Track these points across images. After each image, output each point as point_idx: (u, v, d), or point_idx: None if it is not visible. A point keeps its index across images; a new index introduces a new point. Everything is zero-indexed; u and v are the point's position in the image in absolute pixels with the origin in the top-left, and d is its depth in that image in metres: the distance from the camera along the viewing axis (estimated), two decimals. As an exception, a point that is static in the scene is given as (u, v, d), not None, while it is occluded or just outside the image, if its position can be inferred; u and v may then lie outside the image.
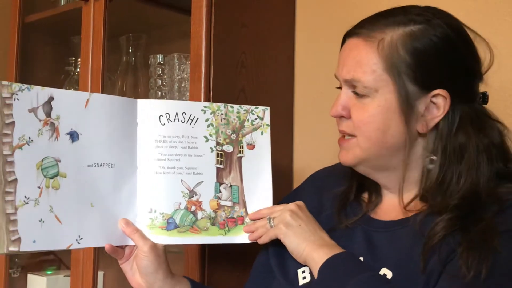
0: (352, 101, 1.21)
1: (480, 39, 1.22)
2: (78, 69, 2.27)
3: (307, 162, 1.92)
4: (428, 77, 1.16)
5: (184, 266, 1.68)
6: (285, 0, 1.99)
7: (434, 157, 1.19)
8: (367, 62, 1.17)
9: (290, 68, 1.99)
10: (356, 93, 1.20)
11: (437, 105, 1.16)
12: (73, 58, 2.36)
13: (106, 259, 2.15)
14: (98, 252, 1.97)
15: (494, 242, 1.05)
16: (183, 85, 1.96)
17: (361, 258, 1.20)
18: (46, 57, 2.48)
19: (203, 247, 1.66)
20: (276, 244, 1.30)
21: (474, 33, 1.21)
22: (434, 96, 1.16)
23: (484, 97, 1.23)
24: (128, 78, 2.23)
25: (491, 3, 1.56)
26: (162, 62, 2.09)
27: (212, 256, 1.66)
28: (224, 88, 1.74)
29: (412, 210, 1.20)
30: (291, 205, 1.29)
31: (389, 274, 1.14)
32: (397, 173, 1.22)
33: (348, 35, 1.24)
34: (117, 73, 2.23)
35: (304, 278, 1.24)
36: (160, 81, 2.09)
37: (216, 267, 1.68)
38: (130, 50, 2.23)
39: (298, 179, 1.90)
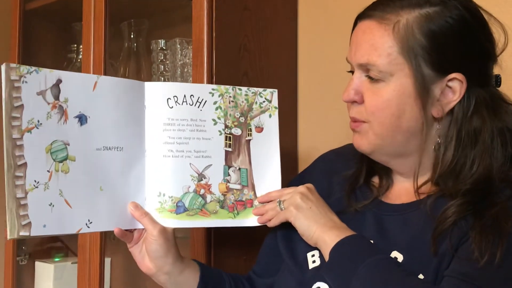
0: (365, 85, 1.19)
1: (494, 21, 1.20)
2: (80, 56, 2.26)
3: (312, 145, 1.92)
4: (444, 60, 1.14)
5: (190, 251, 1.68)
6: (288, -18, 1.97)
7: (439, 141, 1.18)
8: (382, 45, 1.15)
9: (293, 51, 1.98)
10: (370, 78, 1.18)
11: (453, 89, 1.15)
12: (75, 45, 2.35)
13: (113, 245, 2.16)
14: (105, 238, 1.97)
15: (508, 226, 1.05)
16: (185, 70, 1.96)
17: (371, 241, 1.19)
18: (48, 45, 2.47)
19: (209, 232, 1.66)
20: (285, 227, 1.30)
21: (489, 14, 1.20)
22: (450, 80, 1.14)
23: (497, 80, 1.22)
24: (131, 64, 2.22)
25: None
26: (164, 48, 2.08)
27: (218, 241, 1.66)
28: (227, 72, 1.73)
29: (424, 193, 1.19)
30: (301, 188, 1.29)
31: (400, 257, 1.14)
32: (412, 158, 1.21)
33: (360, 17, 1.22)
34: (119, 59, 2.22)
35: (314, 262, 1.24)
36: (162, 66, 2.08)
37: (222, 252, 1.68)
38: (132, 36, 2.21)
39: (303, 163, 1.90)
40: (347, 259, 1.14)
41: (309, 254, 1.26)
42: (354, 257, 1.14)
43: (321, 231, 1.21)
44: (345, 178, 1.34)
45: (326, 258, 1.18)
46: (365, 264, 1.10)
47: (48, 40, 2.47)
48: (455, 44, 1.14)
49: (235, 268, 1.64)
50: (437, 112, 1.16)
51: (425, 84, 1.14)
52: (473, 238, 1.06)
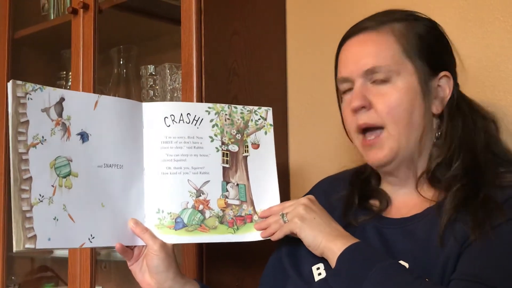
0: (371, 91, 1.25)
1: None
2: (69, 83, 2.26)
3: (302, 163, 1.93)
4: (436, 60, 1.26)
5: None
6: (276, 6, 2.00)
7: (438, 135, 1.27)
8: (385, 48, 1.24)
9: (283, 74, 2.00)
10: (375, 82, 1.24)
11: (443, 87, 1.26)
12: (64, 72, 2.37)
13: (103, 274, 2.14)
14: (95, 267, 1.96)
15: (507, 226, 1.10)
16: (175, 95, 1.97)
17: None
18: (38, 72, 2.48)
19: (200, 259, 1.65)
20: (289, 244, 1.32)
21: None
22: (440, 78, 1.26)
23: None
24: (120, 90, 2.23)
25: (483, 2, 1.58)
26: (153, 73, 2.10)
27: (209, 267, 1.66)
28: (216, 96, 1.73)
29: (427, 199, 1.24)
30: (304, 199, 1.30)
31: (405, 266, 1.16)
32: (414, 163, 1.27)
33: (353, 33, 1.30)
34: (109, 86, 2.23)
35: (319, 274, 1.25)
36: (152, 91, 2.09)
37: (214, 279, 1.67)
38: (121, 62, 2.23)
39: (294, 178, 1.94)
40: (356, 265, 1.15)
41: (314, 267, 1.26)
42: (363, 262, 1.15)
43: (327, 240, 1.22)
44: (342, 198, 1.37)
45: (333, 266, 1.19)
46: (375, 270, 1.11)
47: (37, 68, 2.49)
48: (440, 46, 1.30)
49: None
50: (436, 108, 1.26)
51: (426, 81, 1.25)
52: (475, 240, 1.09)
